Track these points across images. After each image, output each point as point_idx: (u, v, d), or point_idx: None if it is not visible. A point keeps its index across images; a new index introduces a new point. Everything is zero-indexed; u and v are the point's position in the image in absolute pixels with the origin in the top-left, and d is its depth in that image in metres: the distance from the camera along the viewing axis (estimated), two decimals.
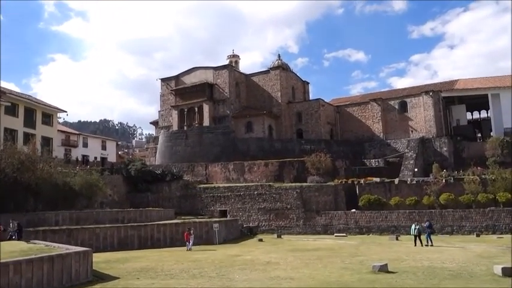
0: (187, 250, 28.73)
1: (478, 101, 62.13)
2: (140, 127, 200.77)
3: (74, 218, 32.47)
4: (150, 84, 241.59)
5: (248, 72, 72.32)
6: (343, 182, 45.03)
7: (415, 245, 28.79)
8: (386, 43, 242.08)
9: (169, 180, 49.97)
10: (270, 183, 46.83)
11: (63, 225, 30.87)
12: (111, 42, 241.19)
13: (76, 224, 31.40)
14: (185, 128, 65.63)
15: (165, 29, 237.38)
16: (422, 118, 60.42)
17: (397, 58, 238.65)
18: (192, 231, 30.21)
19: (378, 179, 45.12)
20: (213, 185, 49.80)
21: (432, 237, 30.16)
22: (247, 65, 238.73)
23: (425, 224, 30.64)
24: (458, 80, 66.88)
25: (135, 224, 32.66)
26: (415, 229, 29.95)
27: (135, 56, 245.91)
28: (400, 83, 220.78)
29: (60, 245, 21.10)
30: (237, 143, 60.93)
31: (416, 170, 49.79)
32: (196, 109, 65.71)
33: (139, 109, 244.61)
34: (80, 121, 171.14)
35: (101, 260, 23.04)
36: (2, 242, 21.42)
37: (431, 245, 28.60)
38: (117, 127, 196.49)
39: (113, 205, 43.69)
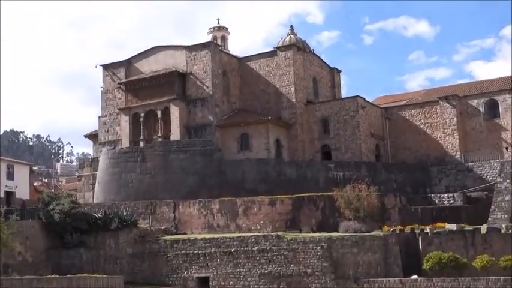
0: None
1: None
2: (69, 143, 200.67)
3: None
4: (86, 76, 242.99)
5: (243, 55, 72.71)
6: (398, 231, 44.77)
7: None
8: (465, 7, 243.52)
9: (115, 228, 49.66)
10: (279, 233, 46.54)
11: None
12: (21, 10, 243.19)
13: None
14: (141, 143, 65.65)
15: None
16: None
17: (481, 31, 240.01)
18: None
19: (453, 226, 44.82)
20: (186, 237, 49.51)
21: None
22: (242, 43, 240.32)
23: None
24: None
25: None
26: None
27: (61, 31, 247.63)
28: (487, 72, 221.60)
29: None
30: (225, 168, 60.87)
31: None
32: (159, 113, 65.91)
33: (68, 115, 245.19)
34: None
35: None
36: None
37: None
38: (31, 143, 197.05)
39: (24, 269, 43.23)
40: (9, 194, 65.35)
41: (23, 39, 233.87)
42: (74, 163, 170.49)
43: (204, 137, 63.14)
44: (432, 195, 56.92)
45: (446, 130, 64.32)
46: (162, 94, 65.90)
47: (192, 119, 64.89)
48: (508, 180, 53.31)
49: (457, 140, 63.37)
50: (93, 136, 75.31)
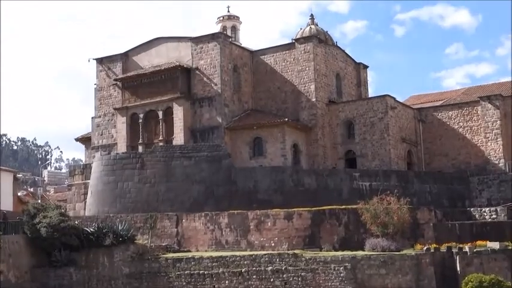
0: None
1: None
2: (58, 147, 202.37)
3: None
4: (78, 72, 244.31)
5: (256, 48, 72.84)
6: (432, 250, 44.65)
7: None
8: None
9: (110, 245, 49.69)
10: (296, 251, 46.54)
11: None
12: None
13: None
14: (140, 148, 65.90)
15: None
16: None
17: None
18: None
19: (496, 244, 44.58)
20: (190, 255, 49.54)
21: None
22: (255, 34, 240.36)
23: None
24: None
25: None
26: None
27: (52, 23, 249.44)
28: None
29: None
30: (235, 177, 60.93)
31: None
32: (160, 114, 66.30)
33: (58, 115, 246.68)
34: None
35: None
36: None
37: None
38: (15, 147, 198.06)
39: None
40: None
41: (7, 32, 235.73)
42: (64, 170, 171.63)
43: (212, 141, 63.37)
44: (472, 209, 56.63)
45: (488, 134, 64.21)
46: (163, 92, 66.30)
47: (198, 120, 65.19)
48: None
49: (501, 146, 63.32)
50: (85, 139, 75.63)
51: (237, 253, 48.36)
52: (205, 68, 65.56)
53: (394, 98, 67.33)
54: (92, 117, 72.18)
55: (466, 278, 41.97)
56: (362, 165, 64.21)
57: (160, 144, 64.88)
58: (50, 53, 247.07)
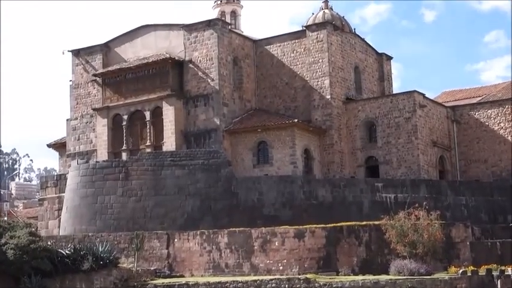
0: None
1: None
2: (27, 155, 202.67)
3: None
4: (51, 66, 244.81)
5: (260, 37, 72.92)
6: (469, 273, 44.59)
7: None
8: None
9: (89, 269, 49.76)
10: (309, 276, 46.56)
11: None
12: None
13: None
14: (124, 155, 66.07)
15: None
16: None
17: None
18: None
19: None
20: (184, 280, 49.55)
21: None
22: (258, 20, 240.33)
23: None
24: None
25: None
26: None
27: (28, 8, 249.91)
28: None
29: None
30: (236, 189, 61.02)
31: None
32: (147, 115, 66.52)
33: (27, 118, 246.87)
34: None
35: None
36: None
37: None
38: None
39: None
40: None
41: None
42: (34, 182, 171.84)
43: (208, 147, 63.55)
44: None
45: None
46: (151, 89, 66.58)
47: (192, 122, 65.41)
48: None
49: None
50: (59, 146, 75.87)
51: (239, 278, 48.28)
52: (200, 61, 65.76)
53: (423, 95, 67.44)
54: (67, 120, 72.35)
55: None
56: (386, 174, 64.36)
57: (148, 150, 65.08)
58: (16, 44, 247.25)
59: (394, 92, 74.70)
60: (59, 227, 65.77)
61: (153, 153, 64.12)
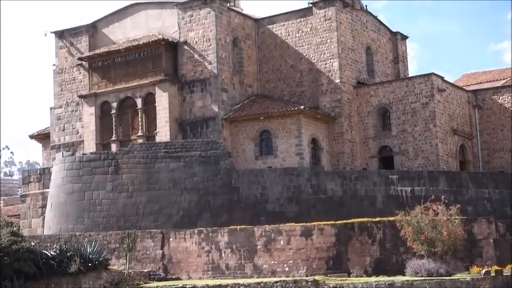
0: None
1: None
2: (7, 147, 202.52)
3: None
4: (34, 50, 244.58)
5: (262, 15, 72.86)
6: (493, 273, 44.63)
7: None
8: None
9: (76, 272, 49.88)
10: (317, 278, 46.61)
11: None
12: None
13: None
14: (114, 147, 66.21)
15: None
16: None
17: None
18: None
19: None
20: (181, 283, 49.60)
21: None
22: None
23: None
24: None
25: None
26: None
27: None
28: None
29: None
30: (237, 182, 61.12)
31: None
32: (139, 102, 66.61)
33: (6, 106, 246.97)
34: None
35: None
36: None
37: None
38: None
39: None
40: None
41: None
42: (16, 176, 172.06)
43: (206, 137, 63.71)
44: None
45: None
46: (143, 74, 66.65)
47: (188, 110, 65.50)
48: None
49: None
50: (42, 137, 75.93)
51: (241, 281, 48.41)
52: (196, 42, 65.79)
53: (442, 78, 67.34)
54: (51, 108, 72.46)
55: None
56: (401, 165, 64.41)
57: (140, 141, 65.20)
58: None
59: (410, 75, 74.73)
60: (43, 226, 65.83)
61: (145, 144, 64.19)
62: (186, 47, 66.03)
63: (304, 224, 52.49)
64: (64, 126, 70.82)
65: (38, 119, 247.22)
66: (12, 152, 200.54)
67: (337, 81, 66.09)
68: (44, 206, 66.99)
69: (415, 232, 48.00)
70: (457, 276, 45.10)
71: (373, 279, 46.02)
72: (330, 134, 66.23)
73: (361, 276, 48.02)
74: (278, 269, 51.24)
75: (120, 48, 67.81)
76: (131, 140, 65.96)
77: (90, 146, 67.66)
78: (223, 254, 53.13)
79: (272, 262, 51.74)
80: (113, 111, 67.34)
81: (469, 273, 45.59)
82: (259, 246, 52.39)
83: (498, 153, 67.56)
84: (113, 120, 67.37)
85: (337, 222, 52.11)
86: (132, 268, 52.68)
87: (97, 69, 69.01)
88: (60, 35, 72.16)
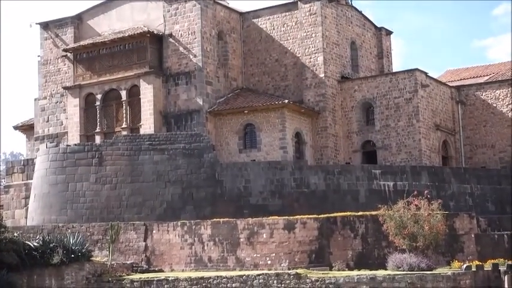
0: None
1: None
2: None
3: None
4: (19, 41, 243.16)
5: (247, 9, 72.84)
6: (474, 268, 44.63)
7: None
8: None
9: (59, 263, 49.76)
10: (299, 271, 46.53)
11: None
12: None
13: None
14: (98, 139, 66.10)
15: None
16: None
17: None
18: None
19: None
20: (163, 275, 49.46)
21: None
22: None
23: None
24: None
25: None
26: None
27: None
28: None
29: None
30: (220, 176, 61.08)
31: None
32: (123, 94, 66.61)
33: None
34: None
35: None
36: None
37: None
38: None
39: None
40: None
41: None
42: (0, 167, 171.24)
43: (190, 130, 63.65)
44: None
45: None
46: (128, 66, 66.63)
47: (173, 102, 65.48)
48: None
49: None
50: (26, 128, 75.65)
51: (223, 273, 48.15)
52: (181, 35, 65.71)
53: (425, 73, 67.43)
54: (35, 99, 72.18)
55: None
56: (384, 160, 64.58)
57: (124, 133, 65.14)
58: None
59: (394, 70, 74.70)
60: (26, 217, 65.60)
61: (129, 136, 63.96)
62: (171, 39, 65.93)
63: (287, 217, 52.51)
64: (48, 117, 70.62)
65: (22, 110, 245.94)
66: None
67: (322, 75, 66.10)
68: (27, 197, 66.76)
69: (397, 227, 47.93)
70: (438, 270, 44.94)
71: (355, 273, 45.80)
72: (314, 128, 66.24)
73: (343, 270, 47.98)
74: (261, 262, 51.28)
75: (105, 40, 67.63)
76: (115, 132, 65.92)
77: (74, 137, 67.47)
78: (206, 246, 53.10)
79: (255, 255, 51.72)
80: (98, 103, 67.17)
81: (450, 268, 45.54)
82: (242, 239, 52.38)
83: (480, 149, 67.71)
84: (97, 112, 67.20)
85: (319, 216, 52.16)
86: (114, 260, 52.59)
87: (82, 60, 68.78)
88: (45, 26, 71.91)
